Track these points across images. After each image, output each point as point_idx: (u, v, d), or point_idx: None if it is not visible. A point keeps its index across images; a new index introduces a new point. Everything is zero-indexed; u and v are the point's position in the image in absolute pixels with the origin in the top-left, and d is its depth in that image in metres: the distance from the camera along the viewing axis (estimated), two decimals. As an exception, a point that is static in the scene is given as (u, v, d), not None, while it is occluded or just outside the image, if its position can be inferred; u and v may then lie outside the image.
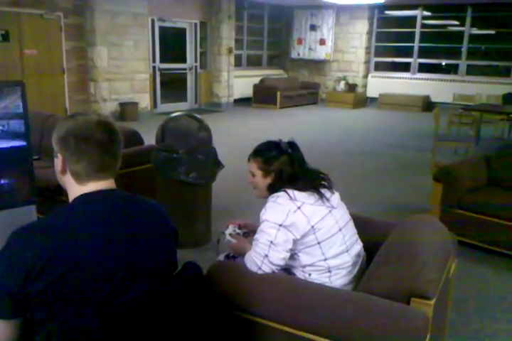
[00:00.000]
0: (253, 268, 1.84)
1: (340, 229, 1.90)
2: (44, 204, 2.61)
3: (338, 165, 6.06)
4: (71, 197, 1.32)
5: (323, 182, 1.95)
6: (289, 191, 1.85)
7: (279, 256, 1.81)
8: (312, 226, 1.82)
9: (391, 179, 5.55)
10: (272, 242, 1.80)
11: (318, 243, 1.85)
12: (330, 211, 1.89)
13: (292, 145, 1.98)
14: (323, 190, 1.91)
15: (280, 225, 1.80)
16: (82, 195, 1.29)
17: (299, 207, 1.82)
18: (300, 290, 1.72)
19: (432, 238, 1.82)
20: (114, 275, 1.22)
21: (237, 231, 2.12)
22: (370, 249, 2.01)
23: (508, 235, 3.26)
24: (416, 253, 1.69)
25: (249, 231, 2.18)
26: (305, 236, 1.83)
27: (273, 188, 1.92)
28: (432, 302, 1.57)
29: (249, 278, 1.80)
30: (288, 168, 1.92)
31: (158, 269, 1.34)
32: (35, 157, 2.69)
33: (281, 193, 1.86)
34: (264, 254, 1.81)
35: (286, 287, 1.74)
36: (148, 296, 1.29)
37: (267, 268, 1.82)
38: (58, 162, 1.31)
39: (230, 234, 2.09)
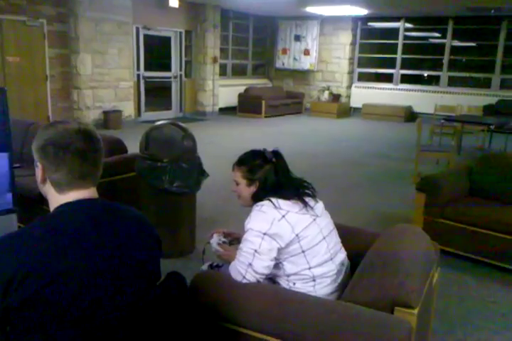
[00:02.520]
0: (238, 277, 1.83)
1: (324, 238, 1.91)
2: (25, 212, 2.56)
3: (322, 174, 6.09)
4: (52, 206, 1.30)
5: (306, 191, 1.96)
6: (274, 200, 1.85)
7: (263, 265, 1.81)
8: (296, 235, 1.82)
9: (375, 189, 5.59)
10: (256, 251, 1.80)
11: (303, 251, 1.85)
12: (314, 219, 1.89)
13: (277, 154, 1.98)
14: (307, 199, 1.92)
15: (264, 234, 1.80)
16: (62, 205, 1.27)
17: (283, 216, 1.82)
18: (284, 300, 1.71)
19: (415, 247, 1.83)
20: (95, 286, 1.20)
21: (223, 239, 2.12)
22: (354, 259, 2.01)
23: (490, 244, 3.30)
24: (399, 262, 1.70)
25: (234, 240, 2.19)
26: (289, 245, 1.83)
27: (257, 197, 1.92)
28: (416, 311, 1.58)
29: (233, 289, 1.78)
30: (272, 177, 1.92)
31: (141, 279, 1.32)
32: (16, 165, 2.65)
33: (266, 202, 1.86)
34: (248, 263, 1.80)
35: (270, 297, 1.73)
36: (130, 307, 1.27)
37: (251, 277, 1.81)
38: (38, 171, 1.29)
39: (219, 244, 2.08)
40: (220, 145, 7.71)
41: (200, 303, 1.73)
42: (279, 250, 1.83)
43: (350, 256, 2.04)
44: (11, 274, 1.12)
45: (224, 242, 2.11)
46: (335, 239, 1.99)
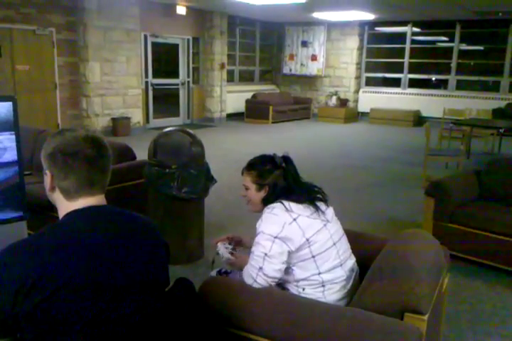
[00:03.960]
0: (249, 281, 1.83)
1: (334, 244, 1.90)
2: (35, 220, 2.58)
3: (331, 179, 6.08)
4: (61, 213, 1.31)
5: (318, 195, 1.96)
6: (285, 202, 1.85)
7: (274, 268, 1.80)
8: (307, 239, 1.82)
9: (383, 193, 5.56)
10: (266, 254, 1.80)
11: (313, 256, 1.84)
12: (325, 225, 1.89)
13: (286, 159, 1.98)
14: (318, 203, 1.91)
15: (275, 237, 1.80)
16: (71, 212, 1.28)
17: (294, 219, 1.81)
18: (294, 306, 1.70)
19: (425, 252, 1.82)
20: (104, 293, 1.20)
21: (230, 247, 2.12)
22: (363, 264, 2.00)
23: (500, 249, 3.27)
24: (409, 268, 1.69)
25: (238, 243, 2.20)
26: (300, 250, 1.83)
27: (267, 201, 1.92)
28: (426, 317, 1.57)
29: (242, 294, 1.78)
30: (282, 182, 1.92)
31: (149, 286, 1.33)
32: (26, 172, 2.67)
33: (278, 204, 1.86)
34: (259, 267, 1.81)
35: (279, 303, 1.73)
36: (139, 314, 1.27)
37: (262, 281, 1.81)
38: (47, 179, 1.30)
39: (230, 253, 2.07)
40: (228, 151, 7.73)
41: (209, 309, 1.73)
42: (290, 254, 1.83)
43: (359, 261, 2.03)
44: (21, 282, 1.13)
45: (233, 249, 2.11)
46: (345, 245, 1.98)
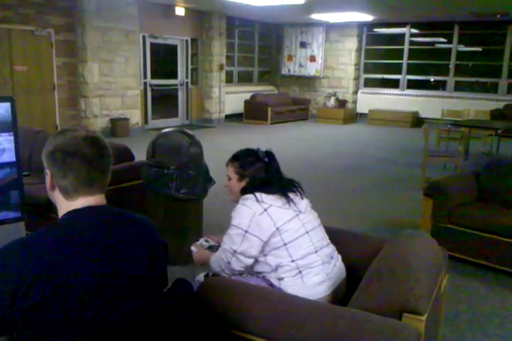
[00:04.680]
0: (216, 269, 2.01)
1: (307, 232, 1.97)
2: (33, 220, 2.58)
3: (329, 180, 6.08)
4: (60, 213, 1.31)
5: (292, 188, 2.05)
6: (257, 194, 1.94)
7: (240, 265, 1.95)
8: (277, 228, 1.90)
9: (382, 194, 5.57)
10: (235, 251, 1.92)
11: (285, 244, 1.92)
12: (297, 215, 1.97)
13: (269, 154, 2.08)
14: (291, 195, 2.00)
15: (246, 231, 1.89)
16: (70, 212, 1.28)
17: (265, 209, 1.90)
18: (292, 306, 1.70)
19: (424, 253, 1.82)
20: (102, 294, 1.20)
21: (204, 243, 2.28)
22: (362, 265, 2.00)
23: (499, 250, 3.27)
24: (407, 268, 1.69)
25: (216, 243, 2.30)
26: (271, 237, 1.91)
27: (245, 192, 2.02)
28: (424, 317, 1.57)
29: (240, 295, 1.78)
30: (262, 175, 2.03)
31: (147, 287, 1.33)
32: (24, 173, 2.66)
33: (250, 195, 1.95)
34: (227, 261, 1.95)
35: (278, 303, 1.72)
36: (137, 314, 1.27)
37: (229, 272, 1.98)
38: (48, 178, 1.31)
39: (195, 245, 2.25)
40: (226, 152, 7.64)
41: (207, 310, 1.73)
42: (263, 245, 1.91)
43: (357, 262, 2.03)
44: (18, 281, 1.13)
45: (203, 245, 2.27)
46: (320, 234, 2.04)
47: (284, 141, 9.29)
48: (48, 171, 1.31)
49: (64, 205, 1.31)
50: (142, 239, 1.35)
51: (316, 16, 10.95)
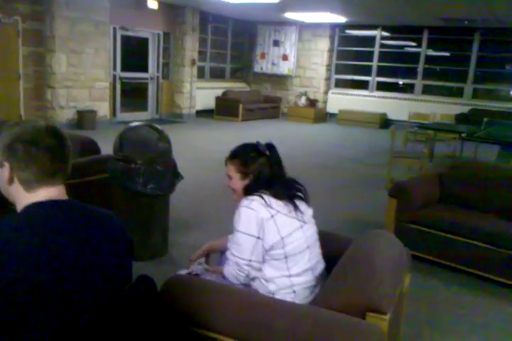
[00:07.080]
0: (234, 281, 1.87)
1: (308, 247, 1.88)
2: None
3: (296, 178, 6.10)
4: (19, 206, 1.26)
5: (299, 194, 1.92)
6: (265, 197, 1.80)
7: (256, 271, 1.85)
8: (282, 238, 1.79)
9: (348, 193, 5.63)
10: (251, 261, 1.81)
11: (286, 257, 1.83)
12: (301, 226, 1.86)
13: (270, 146, 1.93)
14: (298, 202, 1.88)
15: (258, 237, 1.78)
16: (32, 205, 1.23)
17: (272, 216, 1.78)
18: (257, 304, 1.70)
19: (388, 253, 1.85)
20: (62, 290, 1.16)
21: (204, 266, 2.10)
22: (328, 264, 2.02)
23: (458, 250, 3.36)
24: (372, 267, 1.71)
25: (208, 254, 2.19)
26: (273, 248, 1.80)
27: (249, 190, 1.86)
28: (387, 316, 1.59)
29: (204, 293, 1.76)
30: (267, 170, 1.87)
31: (110, 283, 1.29)
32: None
33: (257, 197, 1.80)
34: (246, 275, 1.84)
35: (243, 301, 1.72)
36: (99, 311, 1.24)
37: (245, 282, 1.87)
38: (4, 172, 1.25)
39: (206, 269, 2.06)
40: (195, 148, 7.66)
41: (170, 307, 1.70)
42: (263, 252, 1.82)
43: (325, 260, 2.05)
44: None
45: (205, 262, 2.14)
46: (317, 249, 1.97)
47: (254, 138, 9.22)
48: (5, 163, 1.24)
49: (24, 198, 1.26)
50: (106, 235, 1.31)
51: (289, 15, 10.98)
